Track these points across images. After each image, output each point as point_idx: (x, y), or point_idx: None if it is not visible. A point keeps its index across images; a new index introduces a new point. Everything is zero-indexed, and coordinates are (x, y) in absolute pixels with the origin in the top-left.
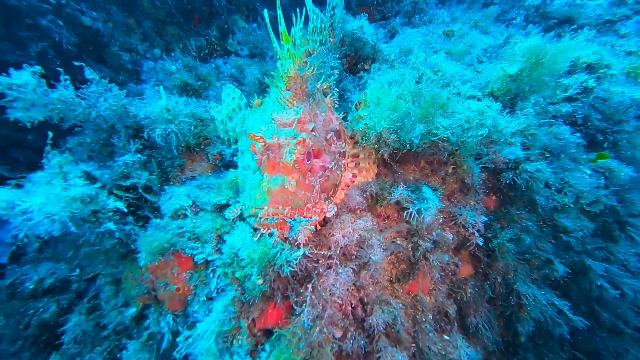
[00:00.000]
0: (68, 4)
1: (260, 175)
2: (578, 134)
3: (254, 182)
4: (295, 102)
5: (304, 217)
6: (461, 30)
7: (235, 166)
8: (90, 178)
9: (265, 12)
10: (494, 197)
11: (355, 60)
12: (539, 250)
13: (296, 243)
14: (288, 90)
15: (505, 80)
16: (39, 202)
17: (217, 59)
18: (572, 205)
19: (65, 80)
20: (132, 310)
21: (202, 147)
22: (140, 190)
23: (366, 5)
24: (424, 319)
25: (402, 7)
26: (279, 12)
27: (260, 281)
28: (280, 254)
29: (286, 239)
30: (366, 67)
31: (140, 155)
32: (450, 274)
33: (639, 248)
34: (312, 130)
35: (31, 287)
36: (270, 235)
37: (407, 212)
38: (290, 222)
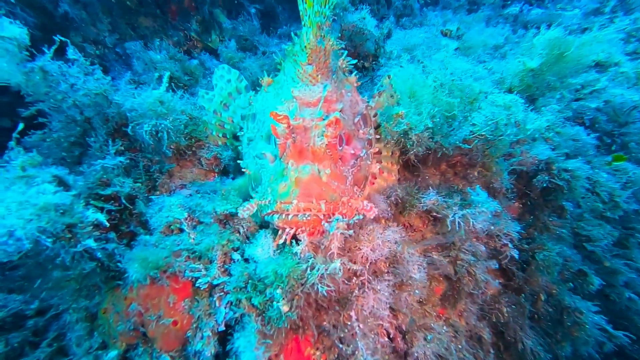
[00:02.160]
0: None
1: (283, 164)
2: (592, 135)
3: (276, 172)
4: (319, 77)
5: (343, 215)
6: (459, 30)
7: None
8: (63, 184)
9: None
10: (517, 204)
11: (354, 58)
12: (570, 261)
13: (329, 253)
14: (310, 64)
15: (526, 75)
16: None
17: (199, 55)
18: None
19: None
20: (112, 354)
21: (194, 150)
22: (123, 201)
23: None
24: (459, 347)
25: (392, 4)
26: None
27: (285, 308)
28: (313, 268)
29: (317, 247)
30: (366, 64)
31: (122, 159)
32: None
33: None
34: (340, 112)
35: None
36: (297, 240)
37: (450, 221)
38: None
